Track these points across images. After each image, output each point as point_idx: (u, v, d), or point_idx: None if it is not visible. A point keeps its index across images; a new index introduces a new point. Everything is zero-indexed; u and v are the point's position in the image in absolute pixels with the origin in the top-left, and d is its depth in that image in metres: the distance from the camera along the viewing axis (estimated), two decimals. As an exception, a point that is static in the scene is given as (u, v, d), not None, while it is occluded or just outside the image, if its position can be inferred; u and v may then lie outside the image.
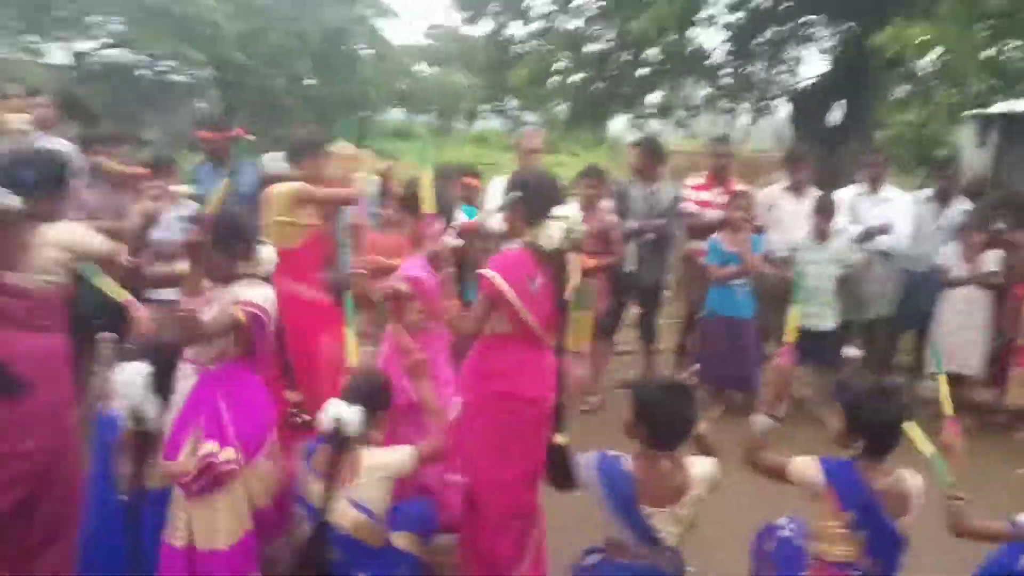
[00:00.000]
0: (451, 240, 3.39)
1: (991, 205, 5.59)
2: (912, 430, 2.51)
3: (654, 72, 10.37)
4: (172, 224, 4.22)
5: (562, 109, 11.73)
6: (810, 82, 10.05)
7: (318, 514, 2.58)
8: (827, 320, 5.02)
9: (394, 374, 3.02)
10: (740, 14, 9.47)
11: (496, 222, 4.90)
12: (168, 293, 3.73)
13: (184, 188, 4.54)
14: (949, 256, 5.16)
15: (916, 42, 6.10)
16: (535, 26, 10.82)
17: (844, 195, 5.42)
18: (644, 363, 5.69)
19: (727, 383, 5.29)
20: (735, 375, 5.18)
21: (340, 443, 2.59)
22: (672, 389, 2.51)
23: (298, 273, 3.68)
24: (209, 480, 2.52)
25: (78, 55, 22.19)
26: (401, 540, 2.79)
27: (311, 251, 3.84)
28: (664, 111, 11.31)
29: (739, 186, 5.50)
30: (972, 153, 19.57)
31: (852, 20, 8.73)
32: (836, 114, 9.40)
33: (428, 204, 2.96)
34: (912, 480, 2.44)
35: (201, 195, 4.52)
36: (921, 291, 5.34)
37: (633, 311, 5.86)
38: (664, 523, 2.42)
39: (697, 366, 5.25)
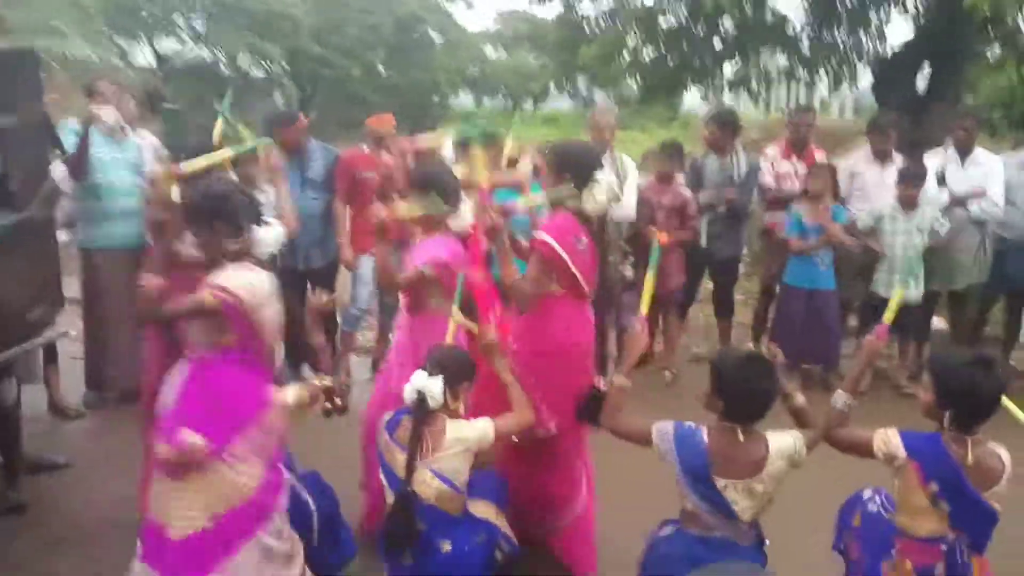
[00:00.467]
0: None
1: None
2: (1007, 403, 2.43)
3: (729, 43, 10.13)
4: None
5: (633, 85, 11.59)
6: (895, 48, 9.63)
7: (402, 484, 2.67)
8: (912, 291, 4.85)
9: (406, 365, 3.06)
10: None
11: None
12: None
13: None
14: (1046, 222, 4.91)
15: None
16: (606, 4, 10.72)
17: (932, 161, 5.21)
18: (720, 338, 5.63)
19: (806, 356, 5.18)
20: (814, 348, 5.08)
21: (423, 414, 2.67)
22: (753, 362, 2.48)
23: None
24: (179, 466, 2.54)
25: (161, 56, 23.10)
26: (480, 508, 2.85)
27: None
28: (739, 83, 11.04)
29: (819, 156, 5.36)
30: (1072, 113, 18.32)
31: (940, -21, 8.32)
32: (922, 81, 9.00)
33: (482, 178, 3.08)
34: (1003, 454, 2.36)
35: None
36: (1016, 259, 5.10)
37: (708, 286, 5.81)
38: (739, 496, 2.41)
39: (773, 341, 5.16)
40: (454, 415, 2.79)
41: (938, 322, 5.72)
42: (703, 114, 9.79)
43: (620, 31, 9.87)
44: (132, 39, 21.94)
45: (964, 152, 5.16)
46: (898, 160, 5.16)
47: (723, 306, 5.57)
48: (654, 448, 2.52)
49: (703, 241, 5.25)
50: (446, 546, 2.70)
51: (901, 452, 2.36)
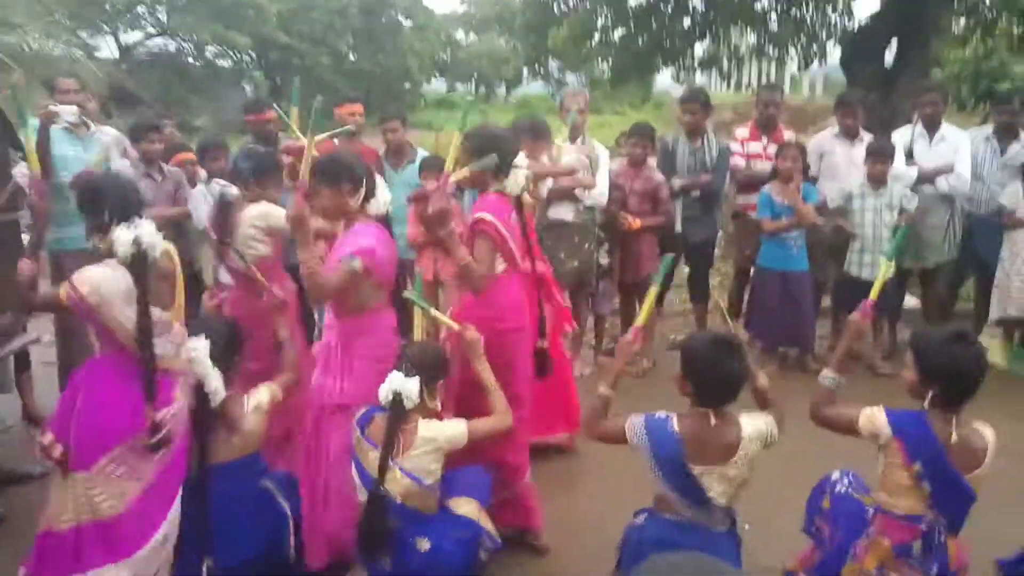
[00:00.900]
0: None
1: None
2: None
3: (699, 22, 10.11)
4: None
5: (605, 67, 11.55)
6: (862, 23, 9.66)
7: (374, 483, 2.65)
8: (883, 268, 4.87)
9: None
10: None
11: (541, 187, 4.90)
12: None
13: None
14: (1013, 196, 4.96)
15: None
16: (575, -16, 10.64)
17: (900, 138, 5.24)
18: (697, 323, 5.65)
19: (782, 339, 5.21)
20: (790, 330, 5.10)
21: (398, 413, 2.65)
22: (719, 344, 2.47)
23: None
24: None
25: (125, 48, 22.66)
26: (462, 506, 2.84)
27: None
28: (710, 63, 11.03)
29: (788, 135, 5.37)
30: (1038, 86, 18.53)
31: (905, -47, 8.35)
32: (890, 56, 9.04)
33: (450, 165, 3.09)
34: (987, 433, 2.38)
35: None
36: (983, 235, 5.15)
37: (683, 270, 5.81)
38: (714, 482, 2.41)
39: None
40: (429, 413, 2.78)
41: (910, 300, 5.78)
42: (675, 95, 9.77)
43: (589, 11, 9.81)
44: (95, 31, 21.49)
45: (932, 128, 5.19)
46: (867, 137, 5.18)
47: (699, 290, 5.57)
48: (630, 443, 2.51)
49: (677, 226, 5.24)
50: (424, 544, 2.68)
51: (886, 430, 2.37)
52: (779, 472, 3.49)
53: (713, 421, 2.42)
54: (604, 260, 5.31)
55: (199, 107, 22.15)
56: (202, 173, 4.77)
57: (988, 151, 5.20)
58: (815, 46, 10.21)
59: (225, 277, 3.75)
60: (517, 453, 3.24)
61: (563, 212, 4.91)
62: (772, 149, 5.21)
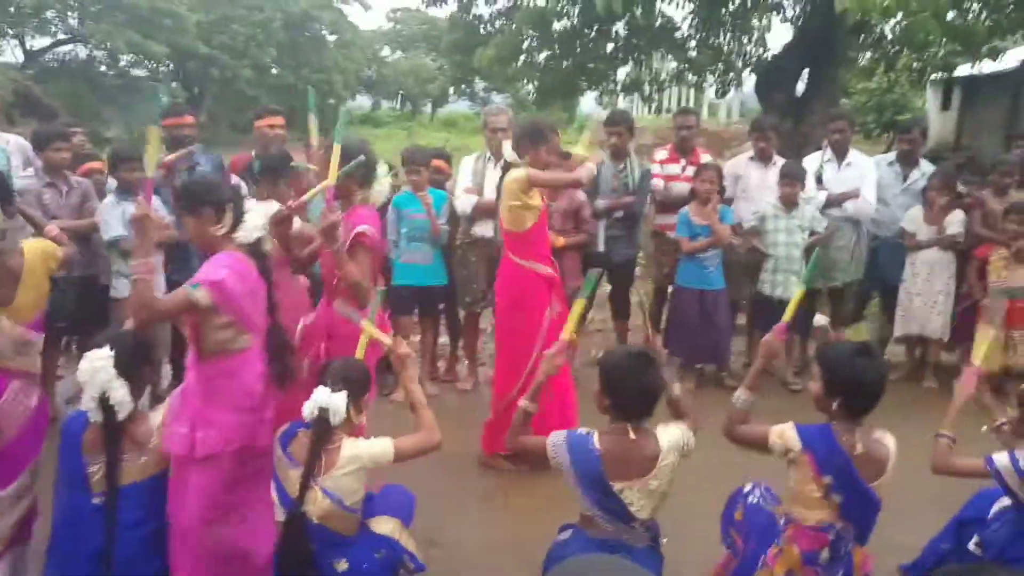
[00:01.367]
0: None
1: (954, 167, 5.65)
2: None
3: (621, 47, 10.34)
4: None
5: (530, 88, 11.67)
6: (775, 52, 10.08)
7: (294, 504, 2.57)
8: (794, 288, 5.06)
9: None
10: (705, -16, 9.46)
11: (465, 203, 4.91)
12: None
13: None
14: (913, 219, 5.23)
15: (879, 6, 6.14)
16: (501, 4, 10.74)
17: (810, 162, 5.46)
18: (618, 340, 5.72)
19: (699, 355, 5.33)
20: (707, 347, 5.23)
21: (323, 430, 2.58)
22: (636, 357, 2.51)
23: (531, 252, 3.95)
24: None
25: (31, 52, 21.68)
26: (381, 525, 2.78)
27: (541, 231, 4.02)
28: (632, 87, 11.29)
29: (705, 157, 5.52)
30: (936, 117, 19.76)
31: (814, -13, 8.76)
32: (801, 84, 9.45)
33: (332, 178, 3.00)
34: (889, 442, 2.48)
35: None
36: (887, 255, 5.41)
37: (605, 289, 5.88)
38: (635, 497, 2.44)
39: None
40: (353, 431, 2.71)
41: (820, 318, 6.01)
42: (598, 118, 9.95)
43: (515, 33, 9.91)
44: (-1, 35, 20.52)
45: (840, 154, 5.43)
46: (779, 161, 5.38)
47: (620, 308, 5.65)
48: (551, 460, 2.52)
49: (600, 245, 5.31)
50: (342, 565, 2.61)
51: (797, 444, 2.44)
52: (696, 485, 3.55)
53: (632, 435, 2.45)
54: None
55: (112, 117, 21.37)
56: (111, 183, 4.59)
57: (892, 177, 5.47)
58: (732, 74, 10.60)
59: (124, 291, 3.64)
60: None
61: (487, 229, 4.93)
62: (690, 171, 5.35)
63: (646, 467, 2.45)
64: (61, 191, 4.41)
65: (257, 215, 2.75)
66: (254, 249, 2.71)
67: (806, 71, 9.39)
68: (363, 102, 35.10)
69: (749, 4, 9.67)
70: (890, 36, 9.49)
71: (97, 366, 2.55)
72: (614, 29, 10.01)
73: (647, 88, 11.16)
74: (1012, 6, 7.75)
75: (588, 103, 14.21)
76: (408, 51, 35.06)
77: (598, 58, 10.36)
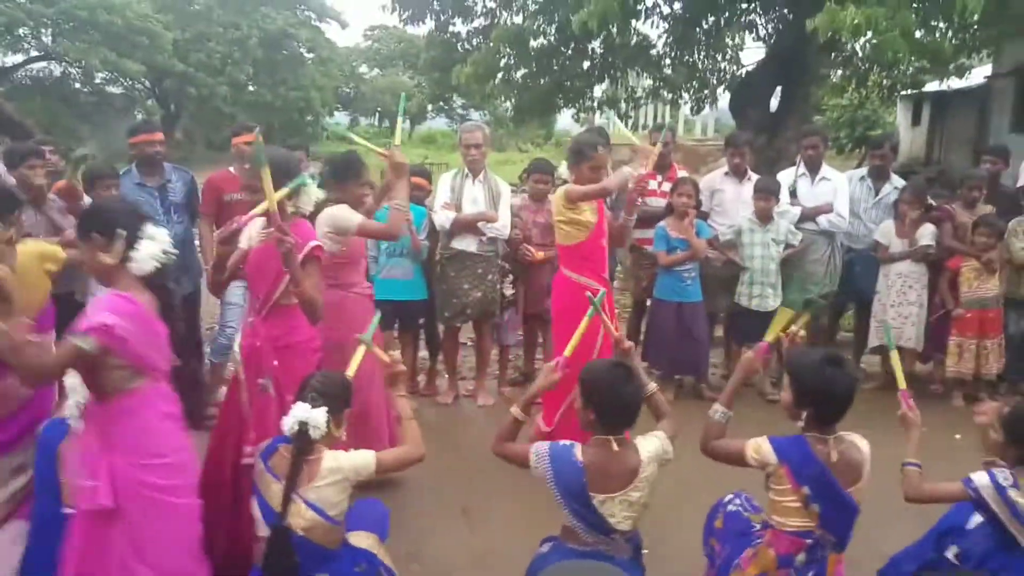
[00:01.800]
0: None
1: (924, 181, 5.76)
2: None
3: (598, 65, 10.45)
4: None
5: (508, 106, 11.75)
6: (748, 70, 10.23)
7: (277, 518, 2.55)
8: (771, 300, 5.14)
9: None
10: (679, 3, 9.59)
11: (443, 218, 4.93)
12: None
13: None
14: (886, 233, 5.33)
15: (849, 25, 6.27)
16: (478, 23, 10.82)
17: (784, 177, 5.55)
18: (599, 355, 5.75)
19: (677, 367, 5.37)
20: (685, 359, 5.27)
21: (304, 445, 2.56)
22: (614, 369, 2.54)
23: (583, 266, 4.01)
24: None
25: (3, 69, 21.45)
26: (359, 539, 2.77)
27: (593, 246, 4.03)
28: (608, 104, 11.39)
29: (681, 173, 5.59)
30: (906, 132, 20.12)
31: (787, 6, 8.91)
32: (775, 100, 9.60)
33: (271, 203, 2.85)
34: (862, 445, 2.51)
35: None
36: (861, 268, 5.50)
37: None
38: (617, 509, 2.45)
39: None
40: (334, 444, 2.70)
41: (795, 330, 6.07)
42: (576, 134, 10.03)
43: (493, 51, 9.99)
44: (-31, 53, 20.31)
45: (813, 169, 5.52)
46: (754, 176, 5.46)
47: (599, 321, 5.68)
48: (532, 470, 2.53)
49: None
50: (324, 579, 2.60)
51: (772, 458, 2.47)
52: (677, 496, 3.58)
53: (615, 447, 2.47)
54: (508, 291, 5.37)
55: (87, 135, 21.19)
56: (87, 201, 4.55)
57: (864, 191, 5.57)
58: (706, 91, 10.74)
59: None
60: None
61: (466, 243, 4.95)
62: (667, 186, 5.42)
63: (627, 479, 2.47)
64: (36, 208, 4.37)
65: (154, 244, 2.50)
66: (154, 280, 2.52)
67: (779, 88, 9.54)
68: (341, 119, 35.09)
69: (722, 23, 9.83)
70: (860, 54, 9.69)
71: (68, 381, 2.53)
72: (590, 47, 10.11)
73: (623, 105, 11.28)
74: (977, 26, 7.95)
75: (565, 120, 14.31)
76: (386, 69, 35.14)
77: (575, 76, 10.47)
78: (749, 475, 2.65)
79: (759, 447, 2.50)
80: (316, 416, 2.54)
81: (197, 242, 4.95)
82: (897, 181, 5.59)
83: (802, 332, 4.67)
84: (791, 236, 5.25)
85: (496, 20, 10.56)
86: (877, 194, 5.54)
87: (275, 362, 3.11)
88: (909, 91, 12.85)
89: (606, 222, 4.13)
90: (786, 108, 9.33)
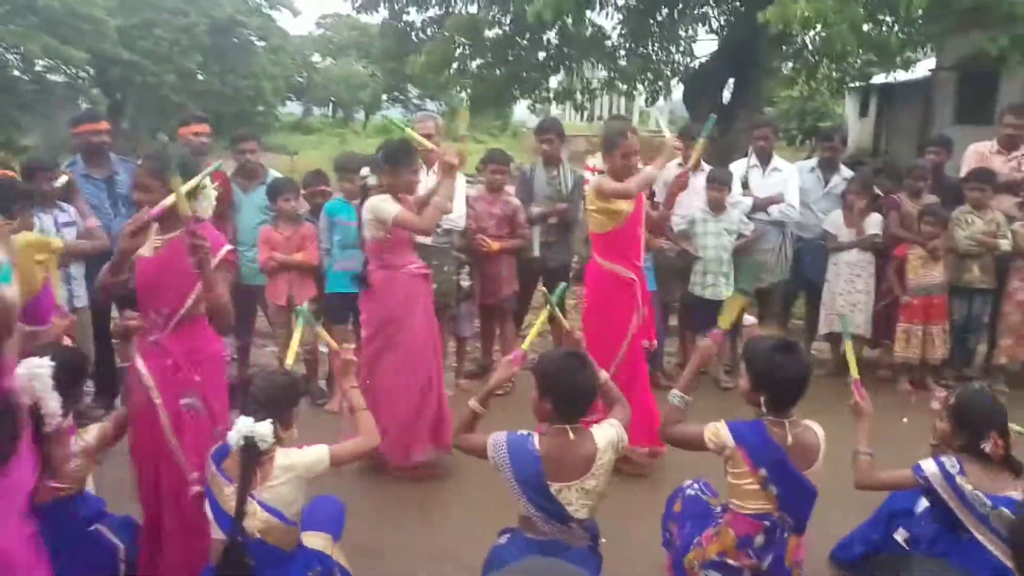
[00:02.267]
0: None
1: (871, 172, 5.88)
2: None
3: (553, 56, 10.46)
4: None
5: (464, 96, 11.70)
6: (701, 61, 10.34)
7: (233, 526, 2.48)
8: (723, 289, 5.21)
9: None
10: (633, -6, 9.66)
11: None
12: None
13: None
14: (835, 222, 5.43)
15: (800, 18, 6.38)
16: (433, 12, 10.74)
17: (736, 168, 5.61)
18: (555, 343, 5.76)
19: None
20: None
21: (252, 458, 2.49)
22: (570, 358, 2.55)
23: (614, 254, 3.97)
24: None
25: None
26: (312, 540, 2.72)
27: (626, 234, 3.98)
28: (564, 95, 11.42)
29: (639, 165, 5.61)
30: (854, 123, 20.57)
31: (738, -1, 9.03)
32: (727, 92, 9.72)
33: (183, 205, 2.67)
34: (817, 430, 2.57)
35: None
36: (811, 257, 5.60)
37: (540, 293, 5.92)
38: (573, 497, 2.46)
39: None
40: (284, 443, 2.64)
41: (747, 318, 6.16)
42: (532, 125, 10.04)
43: (447, 40, 9.93)
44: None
45: (764, 160, 5.60)
46: (707, 168, 5.51)
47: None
48: (490, 460, 2.52)
49: (535, 251, 5.35)
50: (278, 581, 2.55)
51: (730, 441, 2.51)
52: (634, 483, 3.62)
53: (572, 436, 2.47)
54: (465, 283, 5.35)
55: (28, 125, 20.49)
56: None
57: (814, 182, 5.67)
58: (660, 82, 10.84)
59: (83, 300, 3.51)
60: None
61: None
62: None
63: (584, 467, 2.47)
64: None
65: None
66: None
67: (731, 80, 9.67)
68: (293, 109, 34.52)
69: (676, 15, 9.92)
70: (810, 47, 9.86)
71: (35, 374, 2.45)
72: (545, 38, 10.12)
73: (579, 96, 11.31)
74: (922, 21, 8.15)
75: (521, 111, 14.30)
76: (339, 58, 34.65)
77: (530, 66, 10.47)
78: (707, 464, 2.69)
79: (717, 431, 2.55)
80: (260, 429, 2.46)
81: None
82: (846, 172, 5.70)
83: (752, 320, 4.80)
84: (743, 226, 5.32)
85: (450, 9, 10.49)
86: (827, 185, 5.64)
87: (198, 377, 2.88)
88: (857, 83, 13.14)
89: (644, 212, 4.13)
90: (738, 100, 9.46)
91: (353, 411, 2.81)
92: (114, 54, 22.34)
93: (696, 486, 2.86)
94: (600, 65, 10.90)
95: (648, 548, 3.06)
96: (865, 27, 7.86)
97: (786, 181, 5.51)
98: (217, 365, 3.00)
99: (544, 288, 5.72)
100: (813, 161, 5.95)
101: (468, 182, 5.29)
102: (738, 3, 9.29)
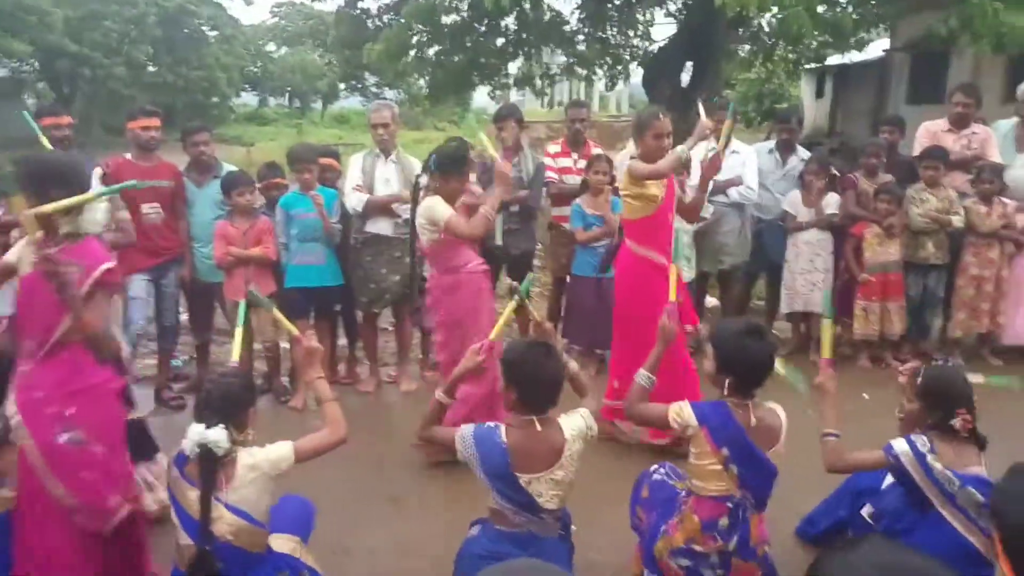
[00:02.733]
0: None
1: (827, 152, 5.94)
2: (779, 367, 2.67)
3: (512, 41, 10.40)
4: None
5: (422, 83, 11.60)
6: (660, 45, 10.37)
7: (201, 535, 2.40)
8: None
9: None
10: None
11: (355, 201, 4.80)
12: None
13: None
14: (793, 203, 5.49)
15: (755, 1, 6.40)
16: (388, -1, 10.61)
17: (696, 152, 5.61)
18: (520, 332, 5.75)
19: (598, 341, 5.42)
20: (605, 334, 5.30)
21: (210, 465, 2.41)
22: (535, 348, 2.54)
23: (646, 239, 4.00)
24: None
25: None
26: (281, 544, 2.66)
27: (657, 220, 4.00)
28: (524, 81, 11.37)
29: (596, 150, 5.61)
30: (810, 104, 20.82)
31: (694, -18, 9.05)
32: (686, 76, 9.76)
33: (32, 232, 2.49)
34: (780, 412, 2.60)
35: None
36: (770, 238, 5.65)
37: (505, 282, 5.90)
38: (543, 488, 2.45)
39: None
40: (244, 443, 2.57)
41: (710, 300, 6.23)
42: (492, 112, 9.97)
43: (404, 27, 9.80)
44: None
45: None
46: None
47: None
48: (458, 454, 2.50)
49: (498, 239, 5.32)
50: (245, 584, 2.50)
51: (693, 421, 2.54)
52: (604, 469, 3.62)
53: (539, 427, 2.46)
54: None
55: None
56: None
57: (772, 163, 5.72)
58: (619, 67, 10.85)
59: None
60: None
61: (381, 227, 4.84)
62: (582, 163, 5.42)
63: (552, 458, 2.46)
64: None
65: None
66: None
67: (690, 63, 9.70)
68: (249, 99, 33.93)
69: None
70: (767, 29, 9.93)
71: None
72: (504, 24, 10.05)
73: (538, 82, 11.27)
74: (875, 1, 8.25)
75: (482, 97, 14.22)
76: (294, 47, 34.10)
77: (489, 53, 10.40)
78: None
79: (681, 410, 2.57)
80: (212, 435, 2.38)
81: None
82: (803, 153, 5.75)
83: (714, 301, 4.81)
84: (703, 209, 5.34)
85: (406, -3, 10.35)
86: (784, 166, 5.69)
87: (69, 411, 2.62)
88: (813, 65, 13.27)
89: (676, 198, 4.14)
90: (697, 83, 9.51)
91: (319, 402, 2.75)
92: (61, 46, 21.74)
93: (662, 470, 2.88)
94: (559, 50, 10.88)
95: (618, 532, 3.07)
96: (820, 8, 7.94)
97: (744, 163, 5.54)
98: (98, 398, 2.70)
99: (509, 278, 5.74)
100: (771, 143, 5.99)
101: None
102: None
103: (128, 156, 4.68)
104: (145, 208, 4.59)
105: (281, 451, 2.54)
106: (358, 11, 10.97)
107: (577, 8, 10.21)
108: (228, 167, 5.03)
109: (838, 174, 5.56)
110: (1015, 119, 5.71)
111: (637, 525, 2.89)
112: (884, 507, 2.73)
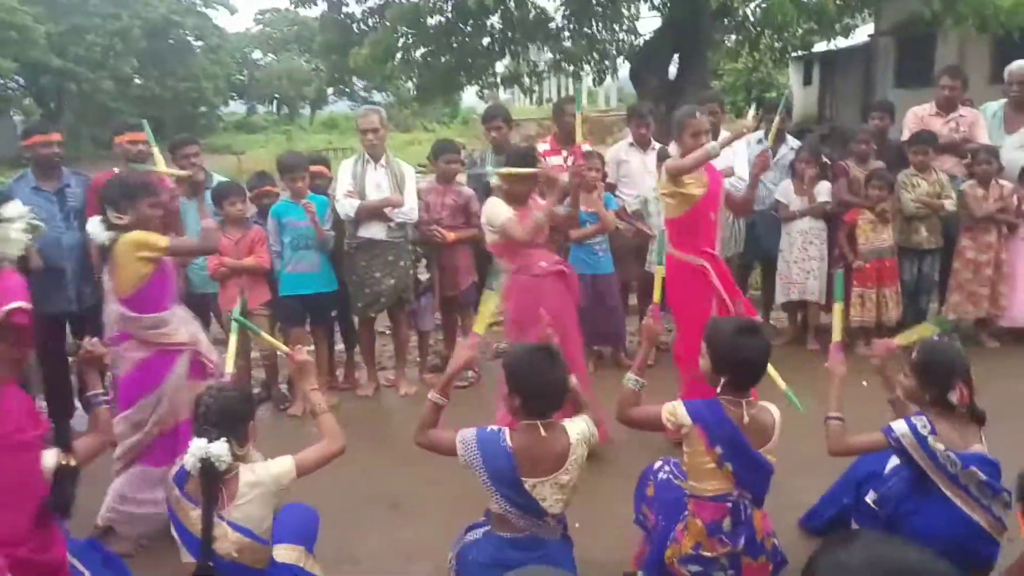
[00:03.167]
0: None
1: (818, 140, 5.94)
2: (771, 370, 2.68)
3: (498, 40, 10.39)
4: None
5: (410, 86, 11.58)
6: (646, 39, 10.36)
7: (203, 552, 2.40)
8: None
9: None
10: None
11: (347, 207, 4.79)
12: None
13: None
14: (785, 192, 5.49)
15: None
16: (373, 3, 10.58)
17: (738, 146, 5.59)
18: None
19: (595, 339, 5.42)
20: (602, 331, 5.31)
21: (212, 480, 2.41)
22: (540, 352, 2.52)
23: (683, 240, 3.97)
24: None
25: None
26: (286, 554, 2.64)
27: (696, 219, 3.96)
28: (511, 79, 11.36)
29: (586, 146, 5.59)
30: (799, 92, 20.83)
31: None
32: (673, 68, 9.76)
33: None
34: (774, 410, 2.58)
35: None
36: (764, 228, 5.65)
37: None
38: (548, 492, 2.44)
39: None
40: (245, 458, 2.56)
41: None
42: (481, 112, 9.97)
43: (389, 31, 9.79)
44: None
45: (713, 135, 5.60)
46: (657, 145, 5.51)
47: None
48: (459, 458, 2.48)
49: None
50: (249, 600, 2.48)
51: (687, 420, 2.51)
52: (604, 465, 3.62)
53: (543, 432, 2.44)
54: (423, 276, 5.29)
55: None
56: None
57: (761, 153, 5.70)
58: (606, 62, 10.83)
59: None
60: None
61: (374, 231, 4.83)
62: (572, 160, 5.41)
63: (557, 462, 2.45)
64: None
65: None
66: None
67: (677, 55, 9.70)
68: (237, 108, 33.85)
69: (618, -8, 9.91)
70: (752, 18, 9.92)
71: None
72: (489, 23, 10.04)
73: (526, 80, 11.26)
74: (858, -14, 8.26)
75: (470, 97, 14.20)
76: (280, 53, 34.03)
77: (476, 52, 10.39)
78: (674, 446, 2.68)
79: (674, 410, 2.54)
80: (216, 450, 2.38)
81: None
82: (793, 142, 5.75)
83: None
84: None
85: (391, 1, 10.34)
86: (775, 155, 5.69)
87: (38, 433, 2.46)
88: (799, 52, 13.28)
89: (722, 194, 4.10)
90: (685, 75, 9.50)
91: (315, 414, 2.74)
92: (45, 61, 21.66)
93: (668, 468, 2.85)
94: (546, 47, 10.86)
95: (618, 531, 3.06)
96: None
97: (735, 154, 5.52)
98: (7, 451, 2.39)
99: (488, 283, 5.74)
100: (760, 133, 5.98)
101: (419, 173, 5.22)
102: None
103: (116, 171, 4.65)
104: None
105: (283, 466, 2.54)
106: (343, 16, 10.94)
107: (562, 5, 10.19)
108: (218, 178, 5.02)
109: (829, 162, 5.57)
110: (1003, 100, 5.72)
111: (643, 522, 2.88)
112: (888, 492, 2.73)
